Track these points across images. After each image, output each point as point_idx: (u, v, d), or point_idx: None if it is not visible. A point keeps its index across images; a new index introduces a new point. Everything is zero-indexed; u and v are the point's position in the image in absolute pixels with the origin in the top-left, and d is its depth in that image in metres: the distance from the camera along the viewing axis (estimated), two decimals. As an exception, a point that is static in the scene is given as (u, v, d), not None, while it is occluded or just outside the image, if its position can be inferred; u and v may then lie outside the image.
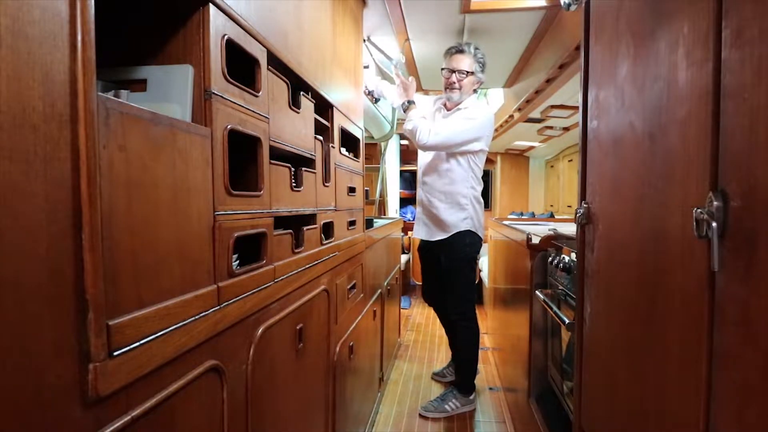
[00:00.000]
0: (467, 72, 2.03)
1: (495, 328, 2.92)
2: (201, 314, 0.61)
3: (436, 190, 2.11)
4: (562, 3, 1.04)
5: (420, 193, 2.24)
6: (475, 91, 2.13)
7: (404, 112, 2.10)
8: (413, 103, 2.09)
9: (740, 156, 0.44)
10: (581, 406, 0.97)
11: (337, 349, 1.33)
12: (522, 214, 4.61)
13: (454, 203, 2.07)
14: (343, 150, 1.45)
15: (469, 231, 2.08)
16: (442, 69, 2.09)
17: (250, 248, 0.80)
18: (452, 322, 2.21)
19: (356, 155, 1.64)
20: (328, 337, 1.25)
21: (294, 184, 0.98)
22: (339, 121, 1.38)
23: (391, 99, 2.28)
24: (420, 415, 2.08)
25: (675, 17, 0.57)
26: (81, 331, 0.41)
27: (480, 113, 2.04)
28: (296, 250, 0.98)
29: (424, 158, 2.22)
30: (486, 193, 5.17)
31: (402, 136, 4.63)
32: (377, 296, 2.06)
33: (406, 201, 5.39)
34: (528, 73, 2.53)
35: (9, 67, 0.34)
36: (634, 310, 0.70)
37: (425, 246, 2.24)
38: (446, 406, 2.09)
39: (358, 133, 1.67)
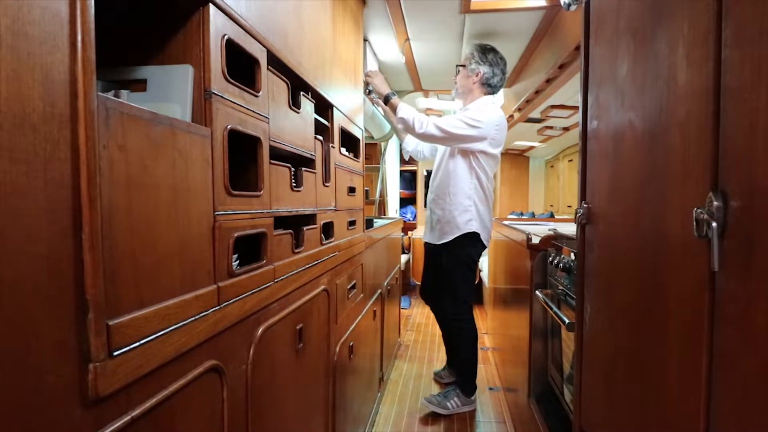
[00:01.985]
0: (458, 66, 2.11)
1: (495, 328, 2.91)
2: (201, 314, 0.61)
3: (442, 191, 2.12)
4: (562, 3, 1.04)
5: (428, 195, 2.25)
6: (487, 88, 2.07)
7: (386, 104, 2.09)
8: (395, 95, 2.09)
9: (740, 156, 0.44)
10: (581, 406, 0.97)
11: (337, 349, 1.33)
12: (522, 214, 4.61)
13: (458, 204, 2.07)
14: (343, 150, 1.45)
15: (473, 233, 2.07)
16: None
17: (250, 248, 0.80)
18: (448, 323, 2.21)
19: (356, 155, 1.64)
20: (328, 337, 1.25)
21: (294, 184, 0.98)
22: (339, 121, 1.38)
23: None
24: (422, 404, 2.12)
25: (675, 17, 0.57)
26: (81, 331, 0.41)
27: (483, 115, 1.99)
28: (296, 250, 0.98)
29: (434, 161, 2.24)
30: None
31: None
32: (377, 296, 2.06)
33: (406, 201, 5.39)
34: (528, 73, 2.53)
35: (9, 67, 0.34)
36: (634, 310, 0.70)
37: (429, 245, 2.26)
38: (448, 403, 2.09)
39: (358, 133, 1.67)
